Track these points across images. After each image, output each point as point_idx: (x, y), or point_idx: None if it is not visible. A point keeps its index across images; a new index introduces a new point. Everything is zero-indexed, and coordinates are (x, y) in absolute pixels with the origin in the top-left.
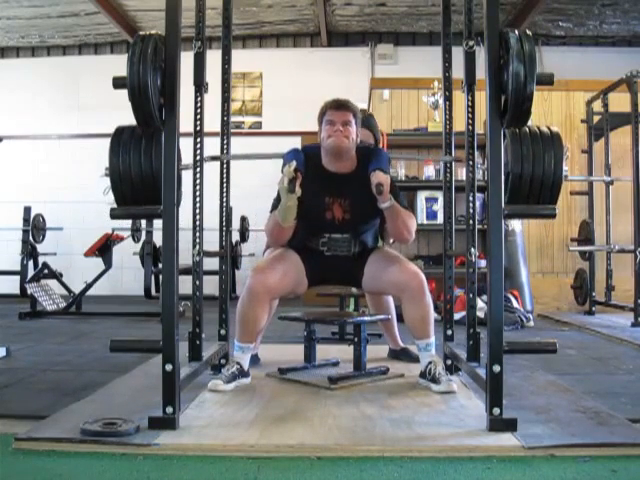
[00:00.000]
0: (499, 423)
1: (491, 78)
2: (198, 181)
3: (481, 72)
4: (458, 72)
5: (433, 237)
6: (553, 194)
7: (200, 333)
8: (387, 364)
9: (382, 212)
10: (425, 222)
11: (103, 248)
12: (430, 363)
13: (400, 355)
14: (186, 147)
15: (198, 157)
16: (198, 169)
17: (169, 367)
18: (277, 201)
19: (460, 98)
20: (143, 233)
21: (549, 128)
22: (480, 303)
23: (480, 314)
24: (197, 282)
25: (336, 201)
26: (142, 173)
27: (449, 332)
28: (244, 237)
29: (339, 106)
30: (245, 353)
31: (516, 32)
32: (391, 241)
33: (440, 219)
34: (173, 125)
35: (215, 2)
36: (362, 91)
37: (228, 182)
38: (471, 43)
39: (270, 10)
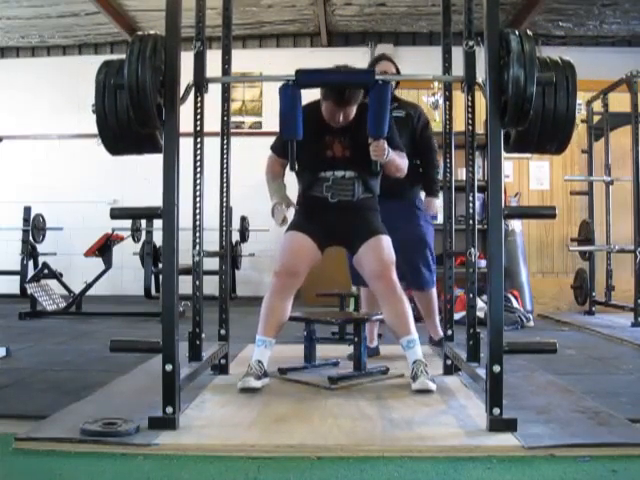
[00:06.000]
0: (499, 423)
1: (491, 78)
2: (198, 181)
3: (481, 72)
4: (458, 72)
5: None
6: (566, 131)
7: (200, 333)
8: (387, 364)
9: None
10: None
11: (103, 248)
12: (415, 362)
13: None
14: (186, 147)
15: (198, 157)
16: (198, 169)
17: (169, 367)
18: (280, 142)
19: (460, 98)
20: (143, 233)
21: (560, 57)
22: (480, 303)
23: (480, 314)
24: (197, 282)
25: (336, 139)
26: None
27: (449, 332)
28: (244, 237)
29: (340, 103)
30: (267, 348)
31: (516, 32)
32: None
33: (440, 219)
34: (173, 125)
35: (215, 2)
36: None
37: (228, 182)
38: (471, 43)
39: (270, 10)
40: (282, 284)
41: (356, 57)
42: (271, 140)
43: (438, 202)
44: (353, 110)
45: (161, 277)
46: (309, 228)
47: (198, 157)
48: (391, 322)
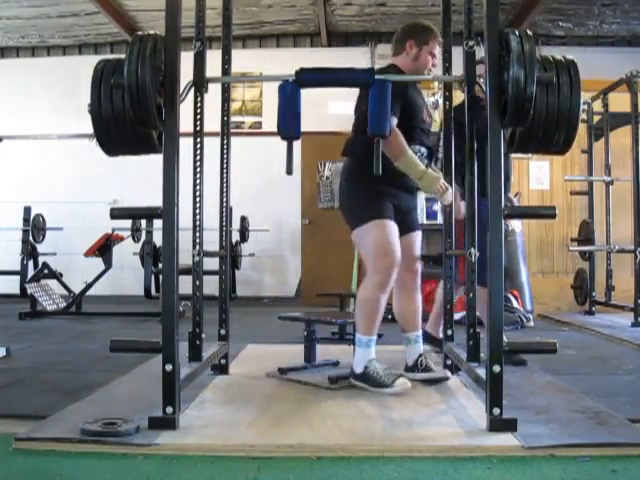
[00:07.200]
0: (499, 423)
1: (491, 78)
2: (198, 181)
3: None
4: (458, 72)
5: (433, 237)
6: (569, 130)
7: (200, 333)
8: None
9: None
10: (425, 222)
11: (103, 248)
12: (421, 356)
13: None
14: (186, 147)
15: (198, 157)
16: (198, 169)
17: (169, 367)
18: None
19: (460, 98)
20: (143, 233)
21: (563, 56)
22: None
23: None
24: (197, 282)
25: (424, 104)
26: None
27: (449, 332)
28: (244, 237)
29: (440, 42)
30: (373, 346)
31: (516, 32)
32: None
33: (440, 219)
34: (173, 125)
35: (215, 2)
36: None
37: (228, 182)
38: (471, 43)
39: (270, 10)
40: (387, 290)
41: (356, 57)
42: (271, 140)
43: None
44: None
45: (161, 277)
46: (391, 213)
47: (198, 157)
48: (405, 314)
